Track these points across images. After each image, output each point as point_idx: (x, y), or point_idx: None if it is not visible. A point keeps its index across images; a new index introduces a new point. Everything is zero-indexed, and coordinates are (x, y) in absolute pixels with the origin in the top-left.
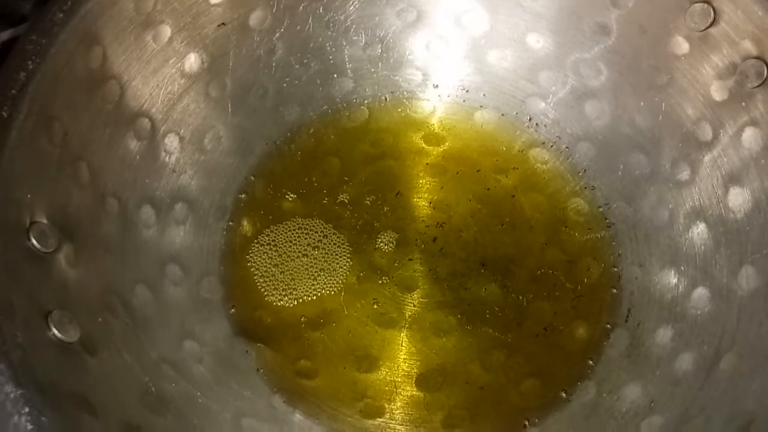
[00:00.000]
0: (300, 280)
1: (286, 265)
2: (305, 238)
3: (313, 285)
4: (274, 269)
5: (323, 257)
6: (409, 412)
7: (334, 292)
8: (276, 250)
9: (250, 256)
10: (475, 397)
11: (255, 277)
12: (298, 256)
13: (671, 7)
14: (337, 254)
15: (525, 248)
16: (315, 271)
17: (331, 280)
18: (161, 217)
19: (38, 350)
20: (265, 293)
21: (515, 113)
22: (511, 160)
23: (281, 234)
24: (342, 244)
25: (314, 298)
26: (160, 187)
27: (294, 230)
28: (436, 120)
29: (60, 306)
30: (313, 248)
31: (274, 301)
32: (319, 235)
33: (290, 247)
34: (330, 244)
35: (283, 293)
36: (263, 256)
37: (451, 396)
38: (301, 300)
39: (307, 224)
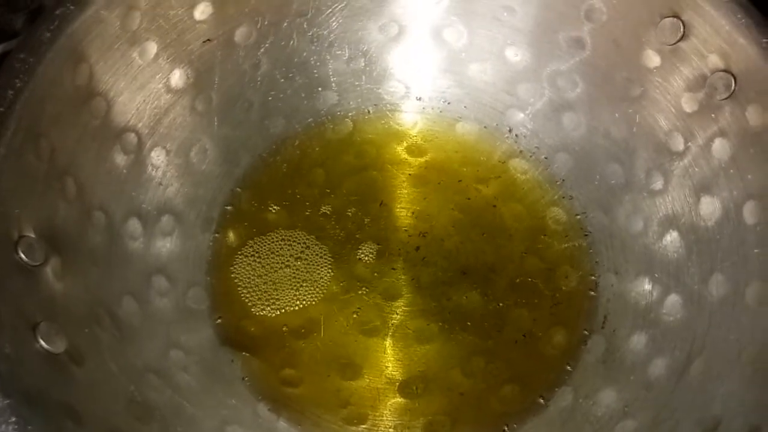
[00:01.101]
0: (283, 290)
1: (270, 276)
2: (288, 249)
3: (296, 295)
4: (257, 280)
5: (306, 268)
6: (392, 418)
7: (317, 301)
8: (259, 261)
9: (235, 267)
10: (456, 403)
11: (239, 288)
12: (281, 267)
13: (643, 22)
14: (319, 265)
15: (505, 256)
16: (298, 282)
17: (313, 290)
18: (148, 230)
19: (25, 361)
20: (250, 303)
21: (495, 124)
22: (491, 171)
23: (265, 245)
24: (324, 254)
25: (297, 308)
26: (146, 200)
27: (277, 242)
28: (418, 131)
29: (47, 318)
30: (296, 259)
31: (258, 311)
32: (302, 246)
33: (273, 258)
34: (312, 255)
35: (267, 303)
36: (247, 267)
37: (432, 402)
38: (284, 310)
39: (290, 236)
